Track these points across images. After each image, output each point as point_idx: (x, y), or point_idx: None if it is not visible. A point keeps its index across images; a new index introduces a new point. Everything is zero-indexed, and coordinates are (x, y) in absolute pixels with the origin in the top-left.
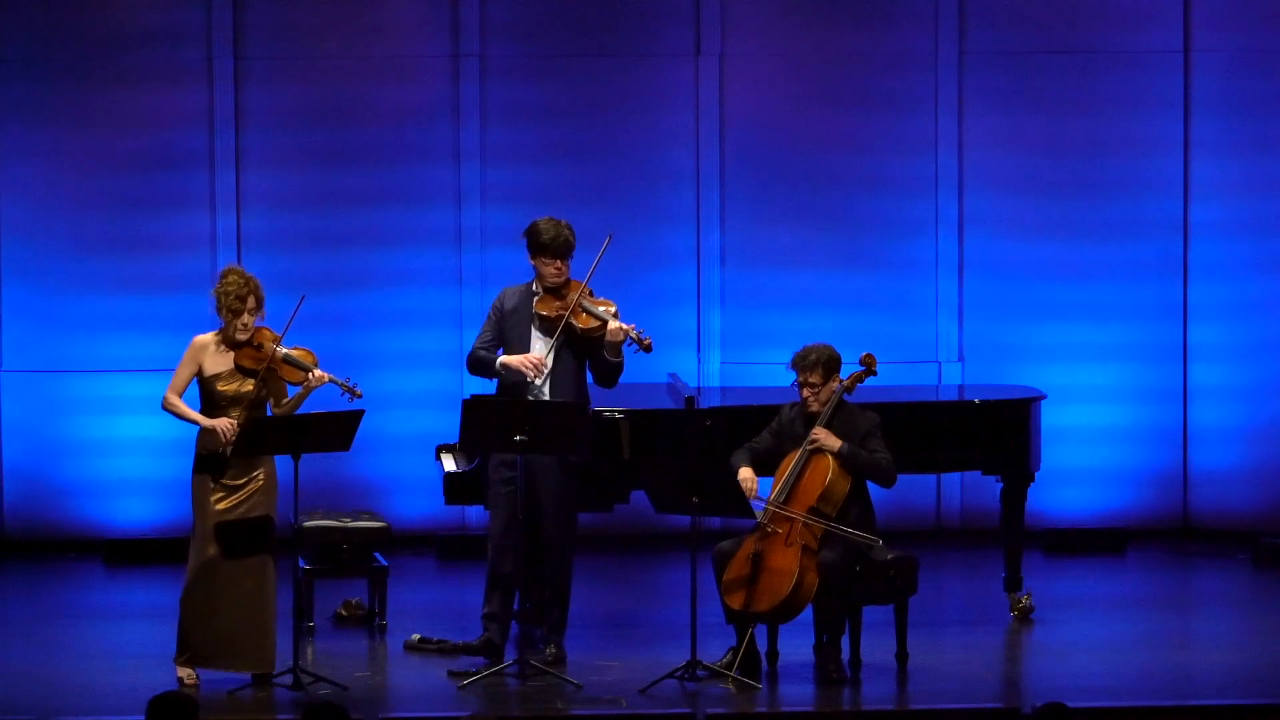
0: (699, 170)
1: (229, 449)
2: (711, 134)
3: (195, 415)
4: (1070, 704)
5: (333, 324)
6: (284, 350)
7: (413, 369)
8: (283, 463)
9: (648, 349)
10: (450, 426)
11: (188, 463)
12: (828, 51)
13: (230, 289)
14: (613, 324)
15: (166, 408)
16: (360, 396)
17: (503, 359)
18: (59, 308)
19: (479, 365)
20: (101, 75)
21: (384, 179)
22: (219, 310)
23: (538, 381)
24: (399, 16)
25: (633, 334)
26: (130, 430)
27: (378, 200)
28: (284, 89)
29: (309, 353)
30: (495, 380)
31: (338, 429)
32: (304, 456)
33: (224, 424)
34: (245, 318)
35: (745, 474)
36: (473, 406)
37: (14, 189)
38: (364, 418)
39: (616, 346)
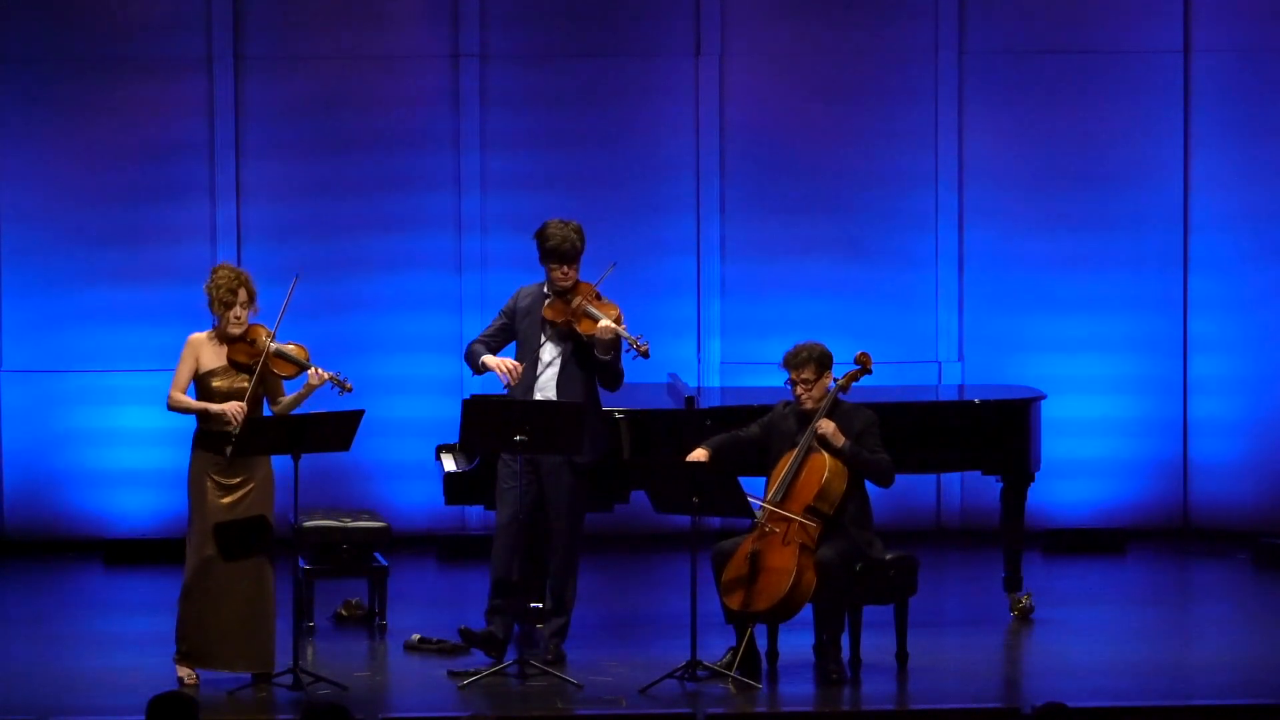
0: (699, 163)
1: (236, 430)
2: (711, 127)
3: (202, 404)
4: (1070, 704)
5: (333, 311)
6: (276, 345)
7: (412, 355)
8: (282, 462)
9: (645, 354)
10: (449, 413)
11: (188, 461)
12: (828, 46)
13: (221, 283)
14: (604, 323)
15: (172, 406)
16: (351, 390)
17: (485, 358)
18: (59, 301)
19: (469, 357)
20: (101, 67)
21: (383, 167)
22: (211, 306)
23: (553, 350)
24: (399, 11)
25: (628, 337)
26: (130, 430)
27: (377, 188)
28: (283, 80)
29: (301, 347)
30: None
31: (338, 429)
32: None
33: (233, 407)
34: (237, 310)
35: (699, 453)
36: (473, 406)
37: (14, 181)
38: (363, 402)
39: (605, 345)
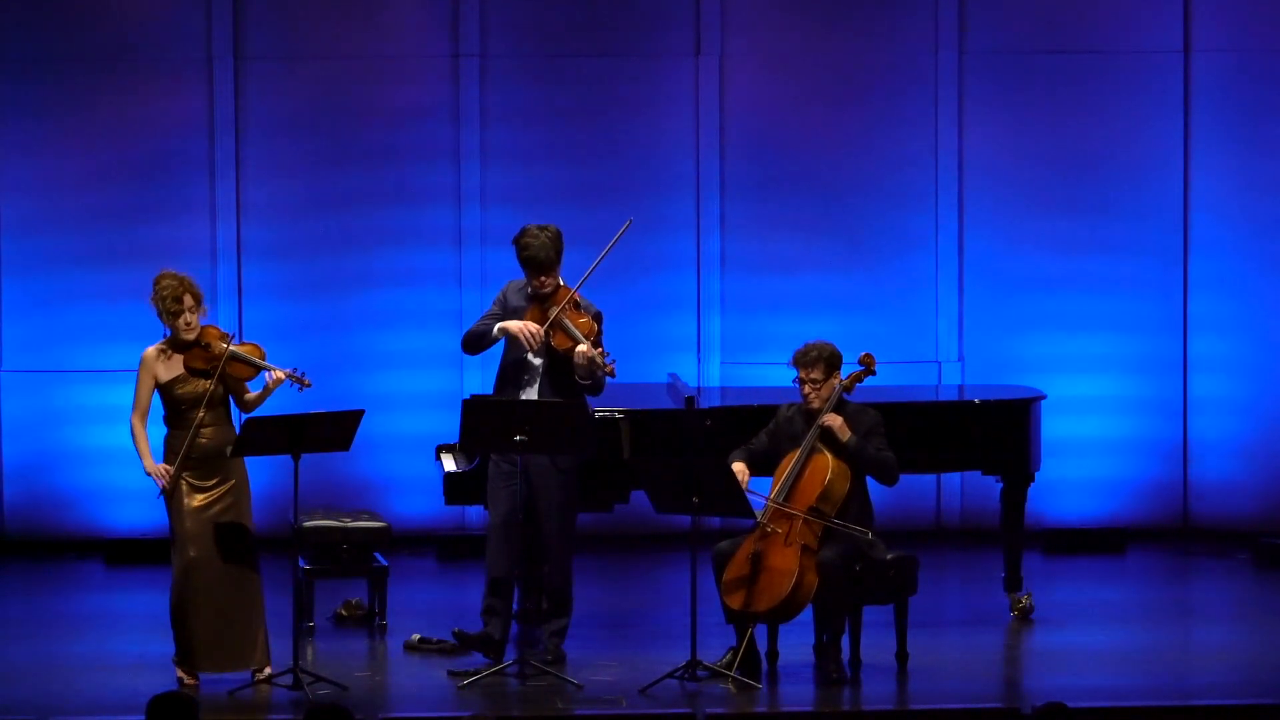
0: (699, 174)
1: (165, 496)
2: (711, 136)
3: (144, 454)
4: (1070, 704)
5: (333, 325)
6: (232, 347)
7: (413, 369)
8: (282, 463)
9: (611, 374)
10: (450, 426)
11: None
12: (828, 52)
13: (166, 292)
14: (580, 347)
15: (131, 432)
16: (310, 386)
17: (501, 324)
18: (59, 313)
19: (475, 336)
20: (101, 79)
21: (384, 180)
22: (160, 316)
23: (534, 360)
24: (399, 17)
25: (599, 364)
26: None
27: (377, 202)
28: (284, 91)
29: (256, 347)
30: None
31: (338, 429)
32: (304, 456)
33: (160, 471)
34: (187, 316)
35: (739, 467)
36: (473, 406)
37: (14, 193)
38: (364, 417)
39: (585, 369)
